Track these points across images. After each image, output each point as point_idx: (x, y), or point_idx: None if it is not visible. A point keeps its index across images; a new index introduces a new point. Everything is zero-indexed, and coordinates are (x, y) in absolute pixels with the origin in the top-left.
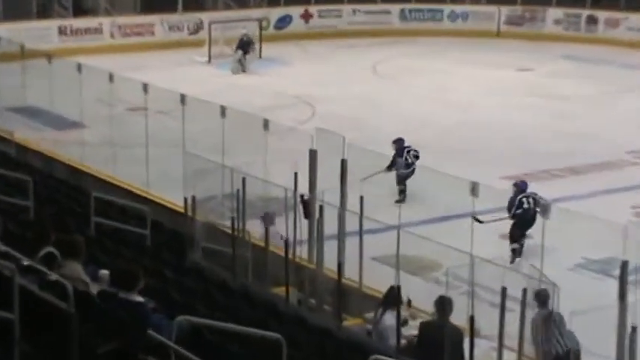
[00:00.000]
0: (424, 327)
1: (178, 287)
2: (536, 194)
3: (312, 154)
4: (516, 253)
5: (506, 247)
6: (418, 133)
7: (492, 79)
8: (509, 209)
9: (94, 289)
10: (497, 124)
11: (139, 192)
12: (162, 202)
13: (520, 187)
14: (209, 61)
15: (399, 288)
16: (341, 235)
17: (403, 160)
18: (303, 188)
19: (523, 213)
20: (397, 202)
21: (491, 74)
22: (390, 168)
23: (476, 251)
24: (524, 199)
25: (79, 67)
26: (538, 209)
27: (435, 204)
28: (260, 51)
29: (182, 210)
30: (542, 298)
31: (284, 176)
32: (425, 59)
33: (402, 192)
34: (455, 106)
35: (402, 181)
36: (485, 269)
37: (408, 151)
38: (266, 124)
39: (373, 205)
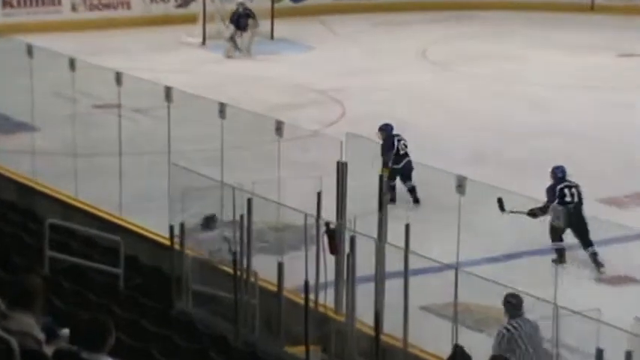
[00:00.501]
0: None
1: (162, 345)
2: (578, 185)
3: (341, 168)
4: (558, 258)
5: (605, 294)
6: (479, 138)
7: (582, 67)
8: (549, 201)
9: (49, 348)
10: (589, 128)
11: (109, 217)
12: (140, 230)
13: (557, 174)
14: (203, 42)
15: (457, 347)
16: (379, 277)
17: (394, 151)
18: (329, 214)
19: (563, 207)
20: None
21: (581, 61)
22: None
23: (561, 299)
24: (566, 190)
25: (30, 50)
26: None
27: (503, 236)
28: (272, 30)
29: (167, 242)
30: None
31: (303, 197)
32: (489, 41)
33: (392, 189)
34: (529, 104)
35: (393, 177)
36: (575, 324)
37: (399, 140)
38: (279, 127)
39: (421, 237)
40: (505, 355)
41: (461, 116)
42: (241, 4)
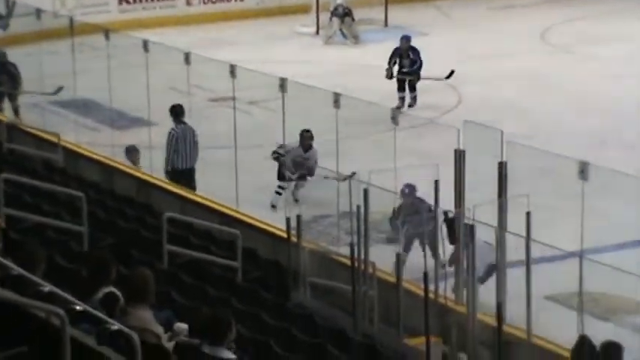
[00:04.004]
0: None
1: (280, 338)
2: None
3: (459, 156)
4: None
5: None
6: (601, 121)
7: None
8: None
9: (169, 342)
10: None
11: (226, 210)
12: (257, 223)
13: None
14: (317, 32)
15: (583, 338)
16: (501, 266)
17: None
18: (447, 203)
19: None
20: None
21: None
22: None
23: None
24: None
25: (146, 45)
26: None
27: (629, 221)
28: (385, 17)
29: (284, 234)
30: None
31: (420, 186)
32: (609, 21)
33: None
34: None
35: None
36: None
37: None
38: (395, 116)
39: (542, 223)
40: None
41: (582, 99)
42: (340, 4)
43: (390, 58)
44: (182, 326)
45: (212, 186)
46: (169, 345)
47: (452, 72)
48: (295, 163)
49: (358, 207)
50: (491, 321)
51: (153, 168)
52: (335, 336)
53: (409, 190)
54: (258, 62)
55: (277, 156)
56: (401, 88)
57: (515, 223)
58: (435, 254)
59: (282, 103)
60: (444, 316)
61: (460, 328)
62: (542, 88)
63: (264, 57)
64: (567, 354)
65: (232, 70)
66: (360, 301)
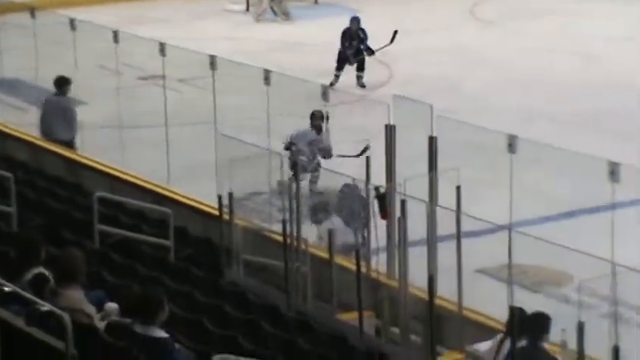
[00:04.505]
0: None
1: (213, 315)
2: None
3: (390, 131)
4: None
5: None
6: (529, 95)
7: (637, 18)
8: None
9: (101, 322)
10: None
11: (157, 189)
12: (188, 201)
13: None
14: (247, 9)
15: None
16: (431, 240)
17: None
18: (378, 178)
19: None
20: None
21: (636, 11)
22: None
23: (619, 257)
24: None
25: (72, 23)
26: None
27: (558, 194)
28: None
29: (215, 212)
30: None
31: (352, 162)
32: None
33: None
34: (584, 60)
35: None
36: (634, 282)
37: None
38: (325, 92)
39: (472, 197)
40: None
41: (511, 74)
42: None
43: (342, 42)
44: (113, 306)
45: (143, 165)
46: (101, 325)
47: (395, 32)
48: (311, 147)
49: (290, 183)
50: (423, 294)
51: (82, 147)
52: (268, 313)
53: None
54: (188, 40)
55: (288, 145)
56: (341, 67)
57: (446, 197)
58: (367, 229)
59: (213, 80)
60: (377, 291)
61: (392, 303)
62: (472, 63)
63: (193, 35)
64: (498, 326)
65: (162, 49)
66: (293, 277)
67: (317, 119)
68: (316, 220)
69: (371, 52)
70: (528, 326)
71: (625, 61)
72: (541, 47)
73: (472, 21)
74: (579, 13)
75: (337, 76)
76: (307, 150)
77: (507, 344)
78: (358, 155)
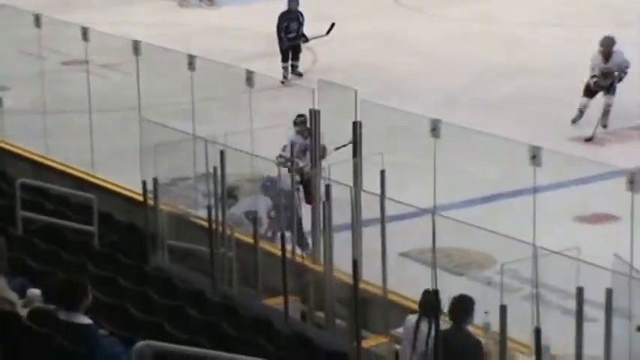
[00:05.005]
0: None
1: (138, 301)
2: None
3: (314, 116)
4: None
5: (583, 233)
6: (453, 80)
7: (556, 3)
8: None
9: (24, 309)
10: (566, 67)
11: (80, 175)
12: (112, 187)
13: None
14: None
15: (436, 293)
16: (356, 224)
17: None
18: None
19: None
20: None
21: None
22: None
23: (541, 240)
24: None
25: None
26: None
27: (480, 178)
28: None
29: (140, 197)
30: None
31: (277, 147)
32: None
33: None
34: (504, 44)
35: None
36: (555, 264)
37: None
38: (250, 77)
39: (397, 182)
40: None
41: (435, 59)
42: None
43: (280, 24)
44: (35, 292)
45: (67, 150)
46: (24, 312)
47: (332, 25)
48: (302, 152)
49: (215, 169)
50: (348, 279)
51: (5, 133)
52: (194, 298)
53: (271, 184)
54: (112, 25)
55: (284, 160)
56: (285, 58)
57: (370, 181)
58: (292, 215)
59: (137, 66)
60: (302, 276)
61: (318, 287)
62: (396, 48)
63: (117, 20)
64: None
65: (84, 33)
66: (219, 263)
67: (302, 124)
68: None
69: (305, 39)
70: (453, 309)
71: (547, 46)
72: (464, 33)
73: (396, 7)
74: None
75: (286, 68)
76: (308, 159)
77: (423, 326)
78: (327, 33)
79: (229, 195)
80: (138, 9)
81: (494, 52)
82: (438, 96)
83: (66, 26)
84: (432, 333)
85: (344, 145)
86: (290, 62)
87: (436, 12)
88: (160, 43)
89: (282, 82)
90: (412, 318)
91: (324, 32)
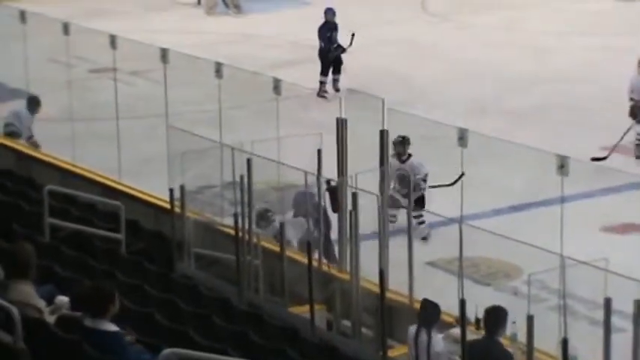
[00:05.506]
0: (468, 348)
1: (164, 309)
2: None
3: (341, 124)
4: None
5: (611, 243)
6: (480, 88)
7: (582, 13)
8: None
9: (51, 316)
10: (593, 76)
11: (108, 182)
12: (139, 195)
13: None
14: (198, 2)
15: (463, 302)
16: (383, 233)
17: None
18: (330, 171)
19: None
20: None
21: (581, 7)
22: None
23: (568, 250)
24: None
25: (23, 16)
26: None
27: (508, 187)
28: None
29: (167, 205)
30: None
31: (304, 156)
32: None
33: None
34: (530, 52)
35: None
36: (582, 275)
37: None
38: (278, 85)
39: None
40: None
41: (461, 67)
42: None
43: (322, 35)
44: (63, 299)
45: (94, 158)
46: (51, 319)
47: (353, 35)
48: (399, 178)
49: (242, 177)
50: (375, 288)
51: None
52: (220, 306)
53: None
54: (139, 33)
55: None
56: (326, 72)
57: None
58: (319, 224)
59: (164, 73)
60: (328, 284)
61: (344, 296)
62: (423, 56)
63: (145, 27)
64: (448, 318)
65: (112, 41)
66: (245, 271)
67: (399, 145)
68: (259, 226)
69: (343, 50)
70: (486, 320)
71: (574, 55)
72: (491, 41)
73: (422, 14)
74: (528, 7)
75: (323, 83)
76: (398, 186)
77: (422, 336)
78: (350, 45)
79: (261, 217)
80: (165, 17)
81: (520, 60)
82: (464, 104)
83: (94, 34)
84: (432, 342)
85: (446, 185)
86: (331, 76)
87: (463, 20)
88: (187, 50)
89: (323, 97)
90: (412, 328)
91: (347, 44)
